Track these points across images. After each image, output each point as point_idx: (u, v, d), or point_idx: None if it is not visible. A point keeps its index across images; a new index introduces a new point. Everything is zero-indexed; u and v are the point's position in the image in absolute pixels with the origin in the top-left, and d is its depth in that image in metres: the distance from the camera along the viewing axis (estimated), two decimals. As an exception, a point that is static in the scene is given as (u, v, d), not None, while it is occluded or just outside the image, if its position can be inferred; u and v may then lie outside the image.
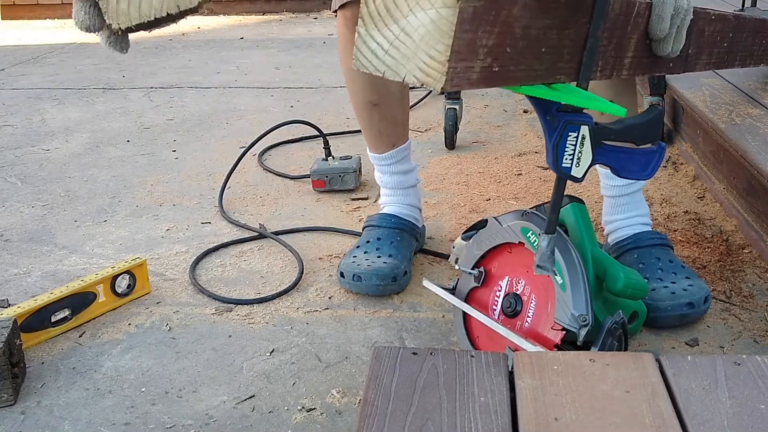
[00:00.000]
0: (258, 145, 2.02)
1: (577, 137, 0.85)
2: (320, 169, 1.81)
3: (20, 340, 1.12)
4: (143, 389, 1.10)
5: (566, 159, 0.86)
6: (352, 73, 1.39)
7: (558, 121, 0.85)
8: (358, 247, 1.40)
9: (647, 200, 1.37)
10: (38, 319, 1.21)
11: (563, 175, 0.87)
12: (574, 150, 0.86)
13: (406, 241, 1.41)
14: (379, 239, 1.40)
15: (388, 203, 1.48)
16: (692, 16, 0.94)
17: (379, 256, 1.36)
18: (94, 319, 1.29)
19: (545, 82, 0.79)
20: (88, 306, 1.28)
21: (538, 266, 0.92)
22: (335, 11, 1.34)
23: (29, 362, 1.16)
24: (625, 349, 0.98)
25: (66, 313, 1.24)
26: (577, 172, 0.87)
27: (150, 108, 2.67)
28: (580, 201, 1.13)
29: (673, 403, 0.67)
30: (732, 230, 1.52)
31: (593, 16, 0.80)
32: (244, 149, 1.95)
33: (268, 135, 1.99)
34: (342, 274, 1.34)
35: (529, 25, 0.72)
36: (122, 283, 1.33)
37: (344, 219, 1.67)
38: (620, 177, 0.94)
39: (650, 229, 1.34)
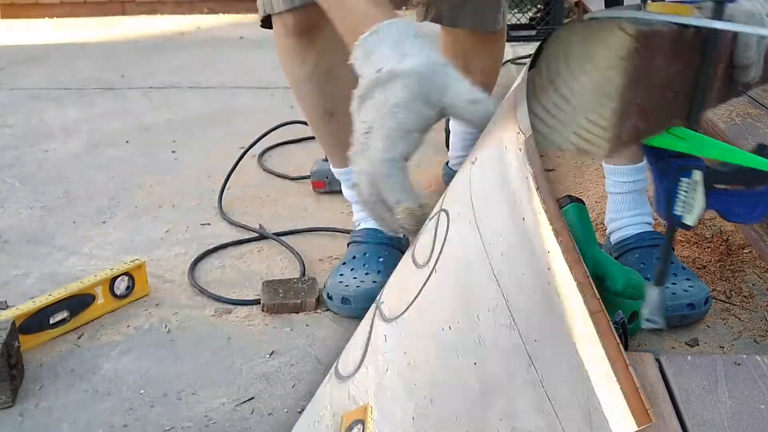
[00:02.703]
0: (258, 146, 2.02)
1: (689, 183, 0.79)
2: (320, 169, 1.80)
3: (18, 342, 1.12)
4: (142, 391, 1.10)
5: (678, 206, 0.80)
6: (298, 81, 1.30)
7: (671, 166, 0.79)
8: (344, 264, 1.35)
9: (648, 200, 1.36)
10: (37, 321, 1.20)
11: (675, 223, 0.81)
12: (687, 196, 0.80)
13: (393, 256, 1.35)
14: (365, 254, 1.35)
15: (364, 218, 1.41)
16: None
17: (367, 273, 1.31)
18: (93, 320, 1.28)
19: (665, 129, 0.75)
20: (87, 308, 1.27)
21: (647, 320, 0.87)
22: (263, 18, 1.25)
23: (27, 364, 1.16)
24: (626, 349, 0.98)
25: (64, 314, 1.24)
26: (689, 219, 0.81)
27: (149, 108, 2.67)
28: (580, 201, 1.13)
29: (673, 403, 0.67)
30: (732, 230, 1.51)
31: (706, 54, 0.76)
32: (243, 150, 1.94)
33: (268, 135, 1.99)
34: (329, 296, 1.29)
35: (665, 74, 0.69)
36: (121, 285, 1.33)
37: (345, 220, 1.67)
38: (727, 221, 0.90)
39: (652, 229, 1.34)
